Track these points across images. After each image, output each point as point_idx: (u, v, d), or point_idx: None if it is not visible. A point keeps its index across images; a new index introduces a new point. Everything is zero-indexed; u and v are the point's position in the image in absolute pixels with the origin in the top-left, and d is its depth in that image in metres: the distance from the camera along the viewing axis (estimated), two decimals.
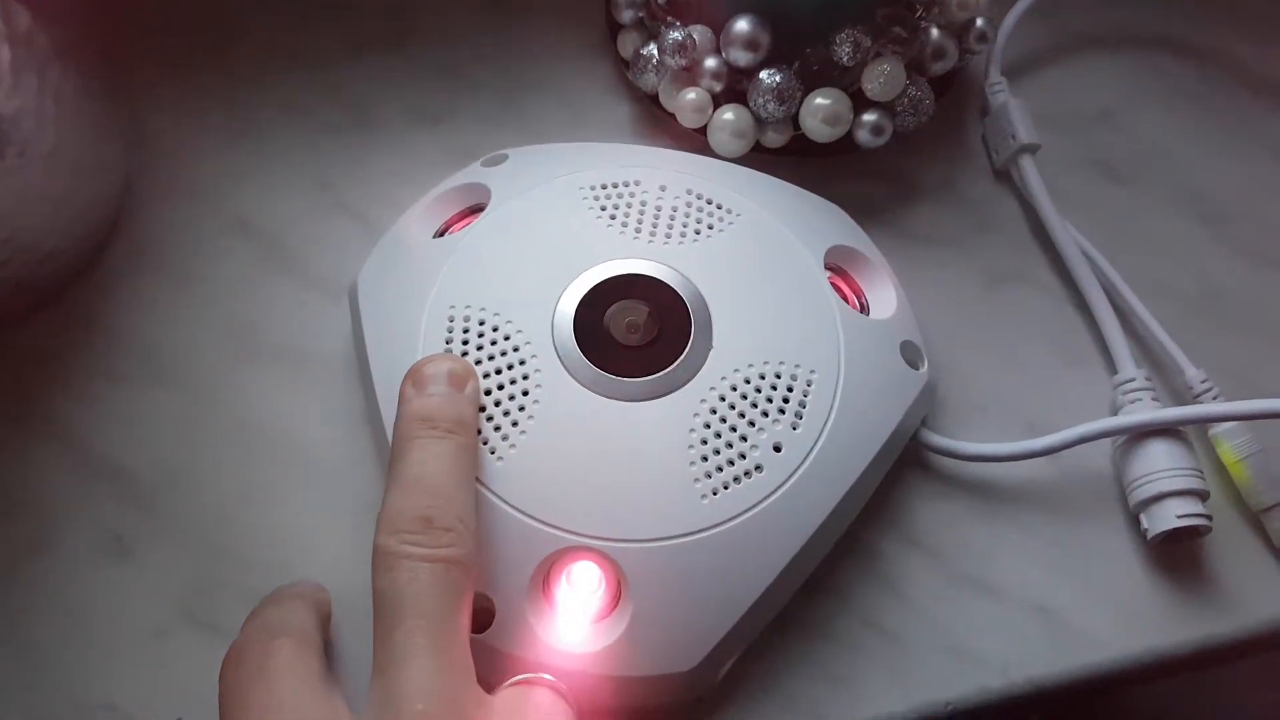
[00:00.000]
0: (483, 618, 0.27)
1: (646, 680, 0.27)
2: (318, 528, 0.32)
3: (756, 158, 0.36)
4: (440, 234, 0.33)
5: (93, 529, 0.32)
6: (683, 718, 0.29)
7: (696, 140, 0.36)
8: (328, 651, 0.29)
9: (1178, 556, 0.32)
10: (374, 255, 0.33)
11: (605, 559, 0.27)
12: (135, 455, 0.33)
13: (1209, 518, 0.30)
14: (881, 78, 0.34)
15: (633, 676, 0.27)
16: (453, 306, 0.30)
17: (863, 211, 0.36)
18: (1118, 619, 0.31)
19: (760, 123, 0.35)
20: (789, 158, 0.36)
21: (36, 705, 0.30)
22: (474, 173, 0.34)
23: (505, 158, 0.34)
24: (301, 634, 0.27)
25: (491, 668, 0.27)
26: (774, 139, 0.36)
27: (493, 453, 0.28)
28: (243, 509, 0.32)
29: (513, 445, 0.28)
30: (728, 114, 0.35)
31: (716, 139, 0.36)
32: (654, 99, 0.37)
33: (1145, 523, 0.31)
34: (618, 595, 0.28)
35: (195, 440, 0.33)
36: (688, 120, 0.36)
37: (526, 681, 0.26)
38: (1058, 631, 0.31)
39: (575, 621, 0.27)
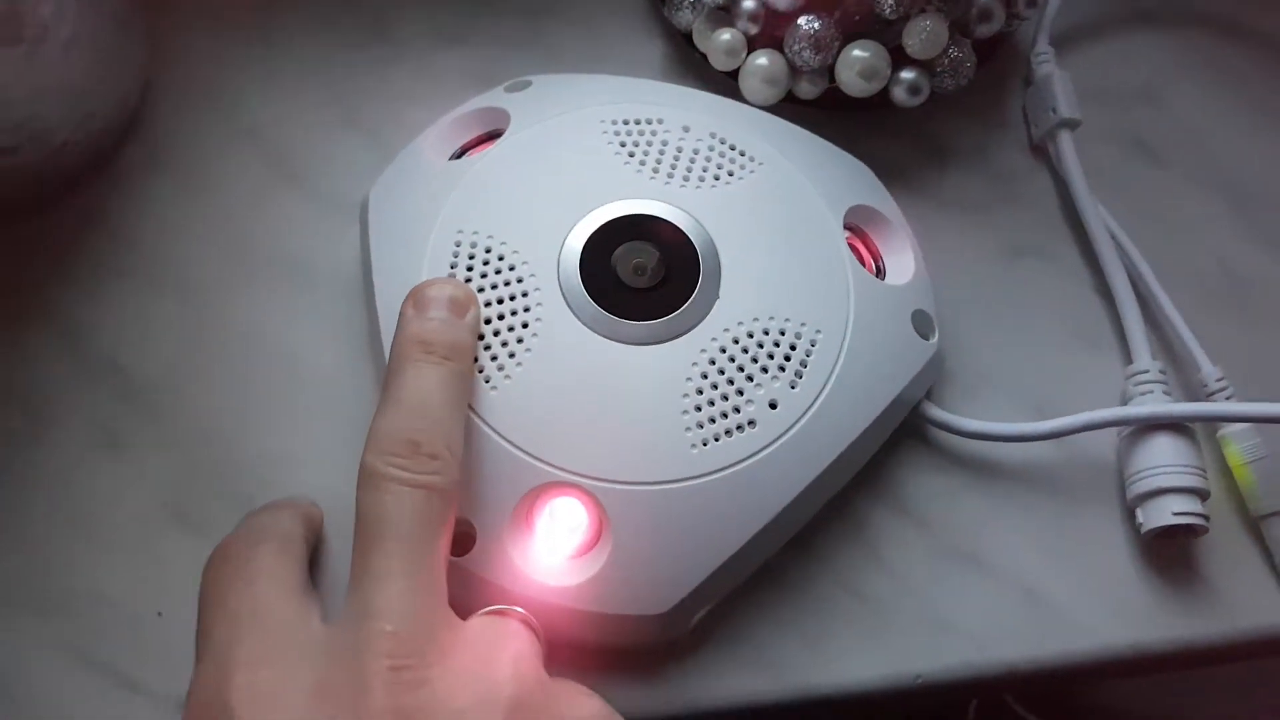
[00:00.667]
0: (464, 542, 0.27)
1: (618, 619, 0.27)
2: (312, 443, 0.32)
3: (788, 108, 0.35)
4: (457, 156, 0.32)
5: (88, 423, 0.32)
6: (652, 659, 0.29)
7: (727, 86, 0.35)
8: (315, 567, 0.30)
9: (1171, 554, 0.31)
10: (388, 172, 0.32)
11: (589, 497, 0.27)
12: (135, 355, 0.33)
13: (1206, 518, 0.30)
14: (923, 34, 0.33)
15: (605, 614, 0.27)
16: (460, 231, 0.29)
17: (891, 172, 0.35)
18: (1103, 609, 0.31)
19: (795, 71, 0.34)
20: (821, 111, 0.35)
21: (24, 589, 0.30)
22: (496, 97, 0.33)
23: (529, 84, 0.33)
24: (286, 541, 0.27)
25: (469, 592, 0.28)
26: (808, 90, 0.35)
27: (487, 381, 0.28)
28: (238, 419, 0.32)
29: (508, 376, 0.28)
30: (761, 59, 0.34)
31: (748, 85, 0.35)
32: (687, 38, 0.36)
33: (1141, 516, 0.31)
34: (599, 534, 0.27)
35: (197, 346, 0.33)
36: (719, 62, 0.35)
37: (499, 612, 0.26)
38: (1041, 615, 0.31)
39: (553, 554, 0.27)
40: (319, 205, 0.35)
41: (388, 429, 0.25)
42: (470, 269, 0.29)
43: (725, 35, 0.34)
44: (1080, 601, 0.31)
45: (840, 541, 0.31)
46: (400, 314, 0.27)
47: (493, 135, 0.32)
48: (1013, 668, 0.30)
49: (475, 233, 0.29)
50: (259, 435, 0.32)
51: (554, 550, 0.27)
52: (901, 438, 0.32)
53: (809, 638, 0.30)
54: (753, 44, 0.35)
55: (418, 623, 0.23)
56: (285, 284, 0.34)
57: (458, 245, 0.29)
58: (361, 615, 0.23)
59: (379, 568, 0.23)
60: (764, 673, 0.30)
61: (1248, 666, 0.32)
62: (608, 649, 0.29)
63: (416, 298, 0.27)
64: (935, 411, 0.32)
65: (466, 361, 0.27)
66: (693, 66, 0.37)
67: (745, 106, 0.34)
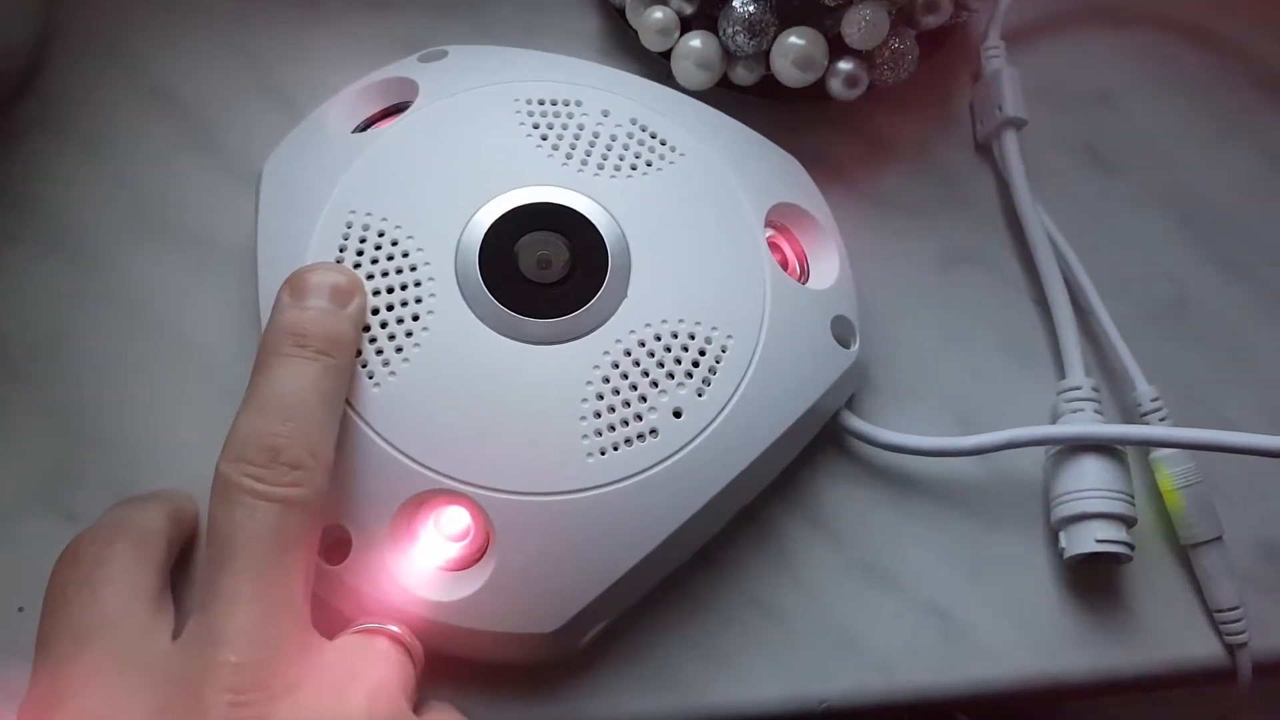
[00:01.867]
0: (339, 550, 0.26)
1: (502, 637, 0.26)
2: (196, 426, 0.30)
3: (723, 94, 0.33)
4: (362, 129, 0.30)
5: None
6: (544, 677, 0.28)
7: (662, 68, 0.33)
8: (185, 568, 0.28)
9: (1094, 580, 0.30)
10: (285, 143, 0.30)
11: (475, 507, 0.25)
12: (13, 321, 0.31)
13: (1131, 546, 0.29)
14: (863, 23, 0.31)
15: (488, 631, 0.26)
16: (353, 211, 0.27)
17: (827, 166, 0.34)
18: (1018, 635, 0.30)
19: (729, 56, 0.32)
20: (759, 99, 0.34)
21: None
22: (406, 66, 0.31)
23: (444, 54, 0.31)
24: (146, 541, 0.25)
25: (343, 602, 0.26)
26: (743, 76, 0.33)
27: (370, 377, 0.26)
28: (119, 395, 0.30)
29: (393, 373, 0.26)
30: (694, 41, 0.32)
31: (680, 67, 0.33)
32: (621, 14, 0.34)
33: (1064, 541, 0.29)
34: (484, 546, 0.26)
35: (80, 315, 0.31)
36: (651, 42, 0.33)
37: (369, 631, 0.24)
38: (953, 638, 0.30)
39: (435, 567, 0.26)
40: (224, 174, 0.33)
41: (246, 432, 0.23)
42: (360, 253, 0.27)
43: (657, 14, 0.32)
44: (995, 626, 0.30)
45: (750, 553, 0.30)
46: (276, 300, 0.25)
47: (401, 108, 0.30)
48: (920, 692, 0.29)
49: (369, 214, 0.27)
50: (143, 417, 0.30)
51: (436, 562, 0.26)
52: (820, 447, 0.31)
53: (713, 655, 0.29)
54: (687, 25, 0.33)
55: (264, 652, 0.21)
56: (183, 256, 0.32)
57: (348, 226, 0.27)
58: (205, 642, 0.21)
59: (226, 590, 0.22)
60: (665, 692, 0.28)
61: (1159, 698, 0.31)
62: (496, 665, 0.27)
63: (294, 284, 0.25)
64: (854, 421, 0.30)
65: (345, 357, 0.25)
66: (629, 46, 0.35)
67: (674, 92, 0.32)
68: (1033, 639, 0.30)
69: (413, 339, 0.26)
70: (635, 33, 0.34)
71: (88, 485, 0.29)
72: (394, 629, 0.24)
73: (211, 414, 0.30)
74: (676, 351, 0.27)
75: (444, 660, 0.27)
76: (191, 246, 0.32)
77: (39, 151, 0.33)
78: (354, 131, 0.30)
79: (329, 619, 0.27)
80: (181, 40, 0.34)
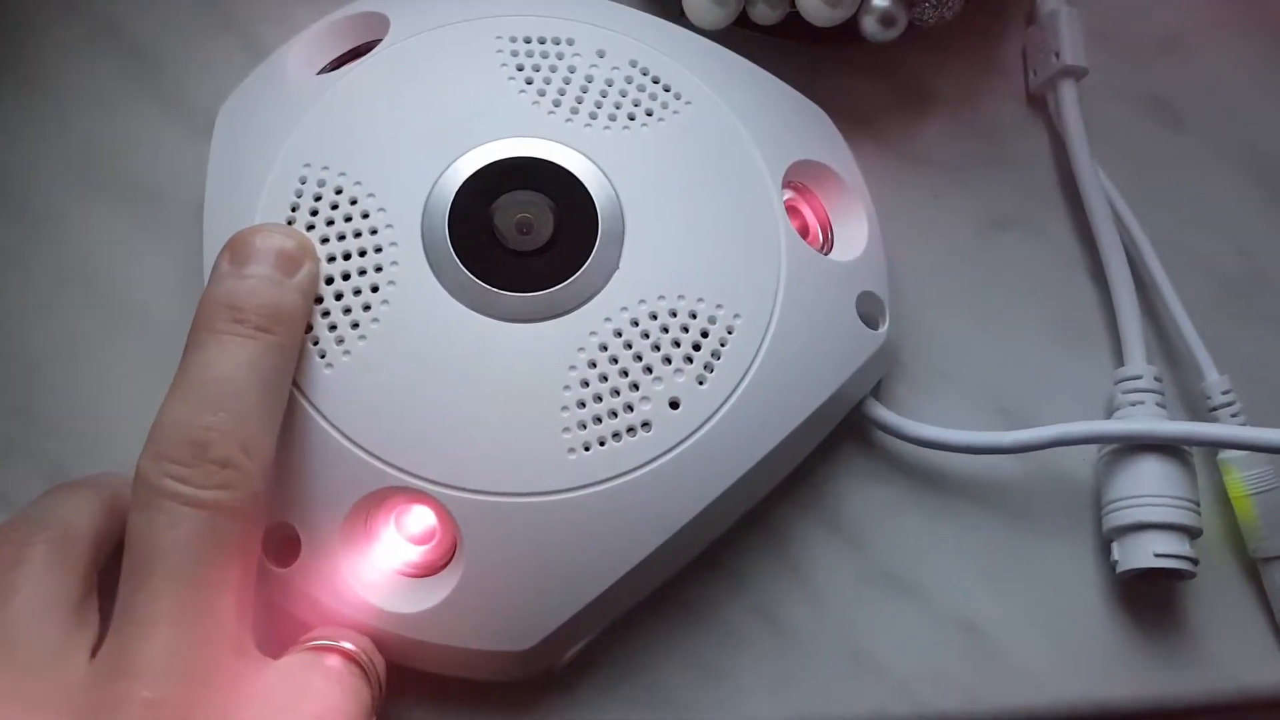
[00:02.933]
0: (288, 551, 0.23)
1: (469, 654, 0.23)
2: (140, 400, 0.26)
3: (740, 35, 0.29)
4: (328, 70, 0.27)
5: None
6: (525, 692, 0.25)
7: (672, 3, 0.30)
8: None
9: (1150, 596, 0.27)
10: (243, 87, 0.27)
11: (439, 507, 0.22)
12: None
13: (1194, 562, 0.25)
14: None
15: (452, 647, 0.22)
16: (308, 165, 0.24)
17: (856, 117, 0.30)
18: (1060, 656, 0.26)
19: None
20: (780, 40, 0.30)
21: None
22: (378, 0, 0.27)
23: None
24: (68, 539, 0.22)
25: (294, 609, 0.23)
26: (764, 13, 0.29)
27: (322, 356, 0.22)
28: (58, 365, 0.27)
29: (347, 352, 0.22)
30: None
31: (692, 3, 0.29)
32: None
33: (1116, 553, 0.26)
34: (450, 552, 0.23)
35: (17, 277, 0.28)
36: None
37: (320, 648, 0.21)
38: (984, 658, 0.26)
39: (394, 574, 0.23)
40: (180, 121, 0.30)
41: (170, 424, 0.20)
42: (315, 213, 0.23)
43: None
44: (1034, 646, 0.26)
45: (756, 557, 0.27)
46: (214, 268, 0.22)
47: (371, 46, 0.26)
48: (946, 719, 0.26)
49: (325, 167, 0.24)
50: (85, 392, 0.27)
51: (395, 568, 0.23)
52: (839, 439, 0.27)
53: (712, 672, 0.26)
54: None
55: (184, 685, 0.18)
56: (132, 212, 0.29)
57: (302, 182, 0.24)
58: (116, 673, 0.18)
59: (142, 612, 0.19)
60: (657, 712, 0.25)
61: None
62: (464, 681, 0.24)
63: (234, 248, 0.22)
64: (880, 412, 0.27)
65: (290, 334, 0.22)
66: None
67: (683, 31, 0.28)
68: (1077, 661, 0.26)
69: (371, 313, 0.23)
70: None
71: (20, 465, 0.27)
72: (348, 645, 0.21)
73: (160, 390, 0.27)
74: (675, 332, 0.23)
75: (406, 673, 0.24)
76: (141, 201, 0.29)
77: None
78: (319, 74, 0.26)
79: (280, 625, 0.25)
80: None
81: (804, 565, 0.27)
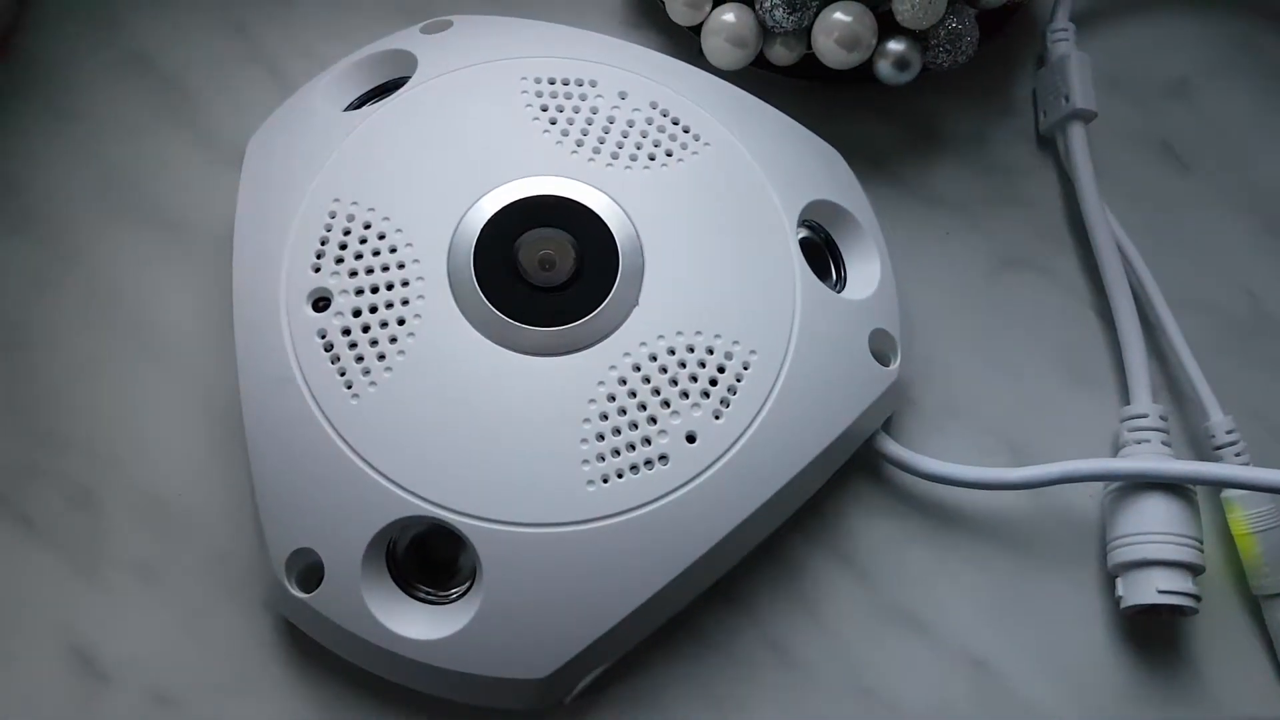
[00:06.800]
0: (311, 577, 0.23)
1: (486, 681, 0.23)
2: (160, 424, 0.28)
3: (758, 75, 0.30)
4: (355, 106, 0.27)
5: None
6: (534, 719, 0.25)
7: (691, 44, 0.30)
8: None
9: (1153, 632, 0.27)
10: (271, 121, 0.27)
11: (459, 537, 0.23)
12: None
13: (1197, 599, 0.25)
14: (916, 0, 0.27)
15: (471, 674, 0.23)
16: (337, 200, 0.24)
17: (870, 157, 0.30)
18: (1065, 692, 0.27)
19: (767, 32, 0.29)
20: (798, 81, 0.30)
21: None
22: (406, 38, 0.28)
23: (449, 25, 0.28)
24: None
25: (317, 634, 0.24)
26: (782, 55, 0.30)
27: (348, 388, 0.23)
28: (81, 387, 0.28)
29: (374, 384, 0.23)
30: (727, 15, 0.29)
31: (711, 45, 0.29)
32: None
33: (1121, 589, 0.26)
34: (470, 581, 0.23)
35: (43, 300, 0.29)
36: (679, 15, 0.30)
37: None
38: (990, 693, 0.27)
39: (414, 601, 0.23)
40: (207, 150, 0.30)
41: None
42: (343, 246, 0.24)
43: None
44: (1039, 681, 0.27)
45: (768, 590, 0.27)
46: None
47: (398, 84, 0.27)
48: None
49: (354, 203, 0.24)
50: (108, 416, 0.28)
51: (415, 595, 0.23)
52: (851, 474, 0.28)
53: (721, 703, 0.26)
54: None
55: None
56: (155, 237, 0.29)
57: (331, 216, 0.24)
58: None
59: None
60: None
61: None
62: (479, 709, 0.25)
63: None
64: (891, 447, 0.27)
65: None
66: (656, 19, 0.32)
67: (702, 74, 0.28)
68: (1081, 696, 0.27)
69: (397, 345, 0.23)
70: (663, 4, 0.30)
71: (43, 486, 0.27)
72: None
73: (181, 415, 0.28)
74: (692, 367, 0.24)
75: (423, 701, 0.25)
76: (168, 230, 0.30)
77: (10, 116, 0.30)
78: (346, 110, 0.27)
79: (302, 649, 0.25)
80: (167, 3, 0.32)
81: (815, 598, 0.27)
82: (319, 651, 0.25)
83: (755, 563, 0.27)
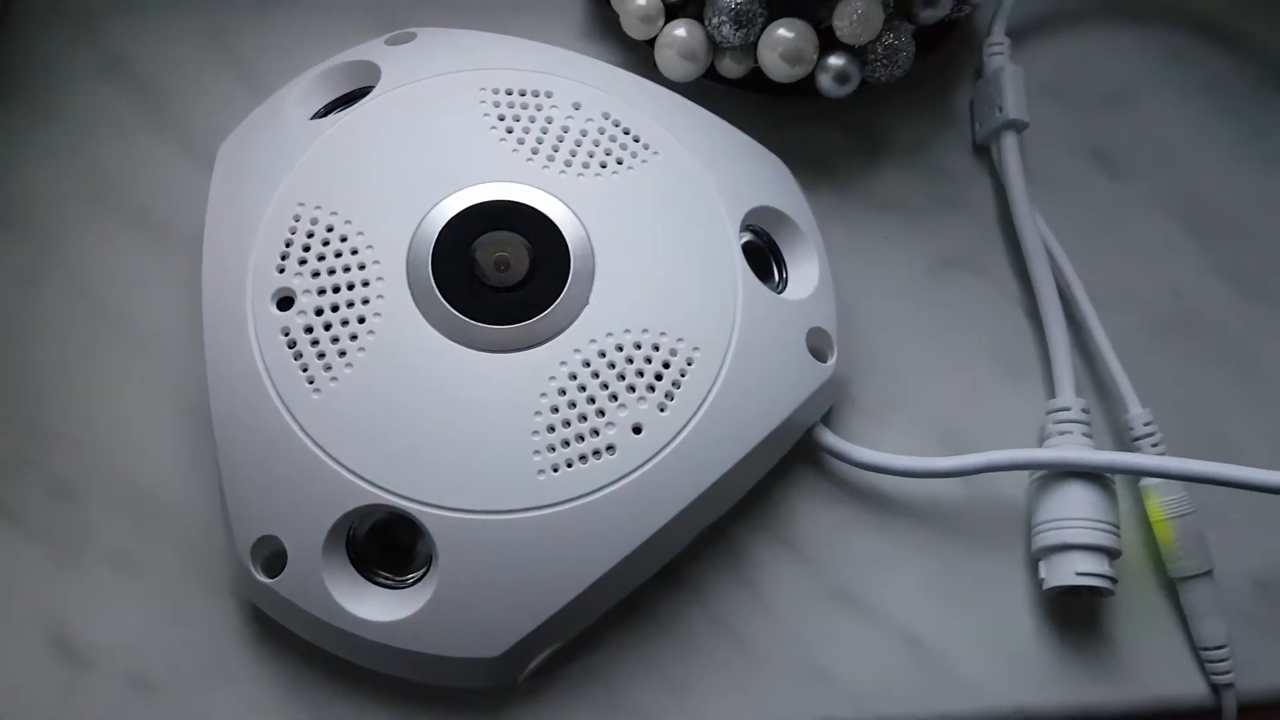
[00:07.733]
0: (275, 563, 0.24)
1: (442, 660, 0.24)
2: (139, 416, 0.29)
3: (709, 87, 0.32)
4: (321, 115, 0.29)
5: None
6: (488, 700, 0.27)
7: (645, 57, 0.32)
8: None
9: (1075, 612, 0.29)
10: (242, 127, 0.29)
11: (416, 523, 0.24)
12: None
13: (1113, 580, 0.27)
14: (854, 17, 0.29)
15: (427, 654, 0.24)
16: (301, 204, 0.26)
17: (815, 162, 0.32)
18: (994, 668, 0.28)
19: (716, 47, 0.31)
20: (747, 93, 0.32)
21: None
22: (371, 49, 0.29)
23: (412, 36, 0.30)
24: None
25: (280, 618, 0.25)
26: (731, 68, 0.31)
27: (310, 383, 0.24)
28: (61, 381, 0.29)
29: (334, 379, 0.24)
30: (679, 30, 0.30)
31: (663, 57, 0.31)
32: None
33: (1043, 571, 0.28)
34: (427, 565, 0.25)
35: (24, 295, 0.30)
36: (633, 30, 0.31)
37: None
38: (927, 669, 0.28)
39: (373, 585, 0.24)
40: (183, 153, 0.32)
41: None
42: (307, 249, 0.25)
43: (640, 0, 0.31)
44: (971, 657, 0.28)
45: (716, 573, 0.28)
46: None
47: (363, 93, 0.28)
48: None
49: (318, 207, 0.26)
50: (89, 410, 0.29)
51: (374, 579, 0.24)
52: (794, 463, 0.29)
53: (671, 681, 0.28)
54: (673, 13, 0.31)
55: None
56: (134, 236, 0.31)
57: (296, 220, 0.26)
58: None
59: None
60: (619, 718, 0.27)
61: None
62: (437, 688, 0.26)
63: None
64: (829, 438, 0.29)
65: None
66: (613, 32, 0.33)
67: (654, 86, 0.30)
68: (1009, 672, 0.28)
69: (357, 343, 0.25)
70: (620, 19, 0.32)
71: (25, 479, 0.28)
72: None
73: (160, 409, 0.29)
74: (639, 363, 0.25)
75: (383, 681, 0.26)
76: (146, 228, 0.31)
77: None
78: (312, 118, 0.28)
79: (268, 633, 0.26)
80: (146, 9, 0.33)
81: (760, 580, 0.28)
82: (284, 635, 0.26)
83: (703, 548, 0.28)
